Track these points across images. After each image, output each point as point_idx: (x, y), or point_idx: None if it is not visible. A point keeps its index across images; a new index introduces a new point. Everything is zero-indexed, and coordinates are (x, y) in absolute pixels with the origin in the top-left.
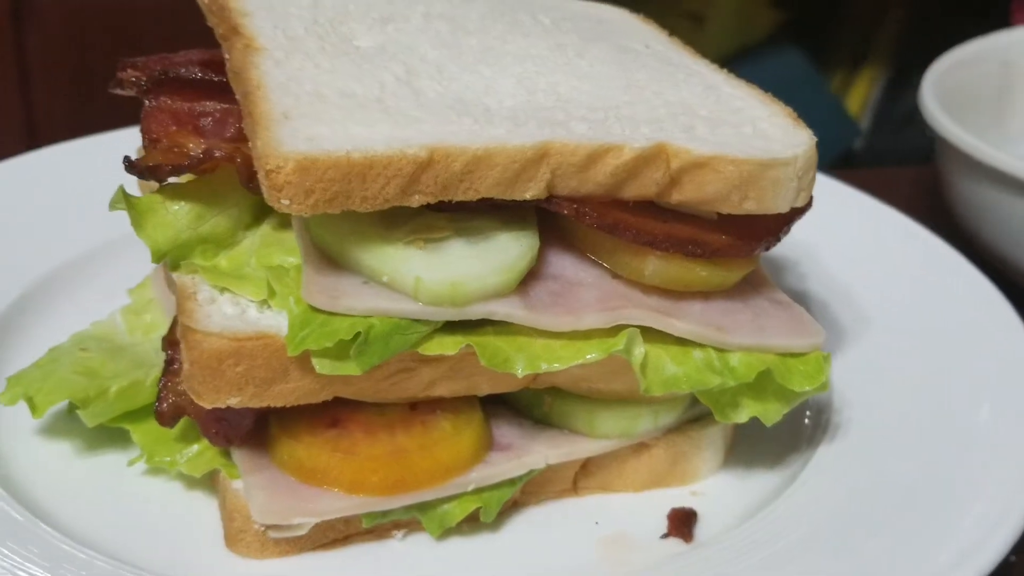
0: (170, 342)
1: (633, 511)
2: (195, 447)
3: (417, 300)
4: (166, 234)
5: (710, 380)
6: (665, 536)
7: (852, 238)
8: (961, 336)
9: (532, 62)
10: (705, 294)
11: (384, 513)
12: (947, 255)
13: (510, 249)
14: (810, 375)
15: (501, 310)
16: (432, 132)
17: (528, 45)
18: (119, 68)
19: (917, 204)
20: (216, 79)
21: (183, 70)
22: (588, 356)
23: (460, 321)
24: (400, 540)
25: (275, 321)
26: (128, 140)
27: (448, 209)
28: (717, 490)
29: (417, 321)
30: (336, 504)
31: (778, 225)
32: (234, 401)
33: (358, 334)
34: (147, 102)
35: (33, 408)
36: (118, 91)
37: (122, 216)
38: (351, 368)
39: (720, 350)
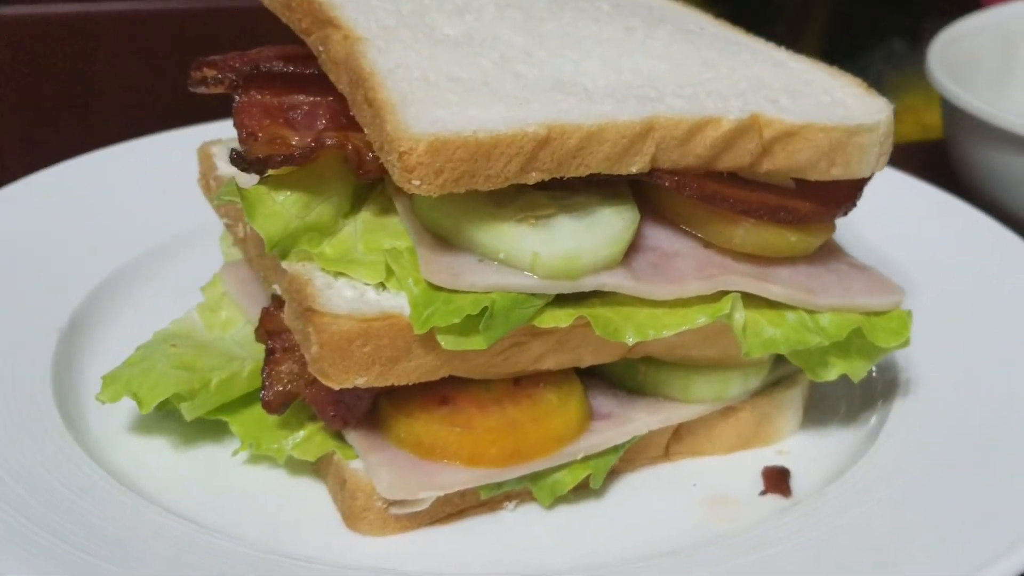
0: (268, 332)
1: (726, 472)
2: (301, 432)
3: (533, 275)
4: (276, 224)
5: (809, 339)
6: (763, 493)
7: (886, 213)
8: (1009, 295)
9: (610, 45)
10: (791, 260)
11: (499, 484)
12: (980, 220)
13: (614, 223)
14: (895, 331)
15: (611, 281)
16: (544, 111)
17: (599, 29)
18: (195, 67)
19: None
20: (302, 72)
21: (272, 65)
22: (698, 321)
23: (570, 294)
24: (512, 511)
25: (396, 302)
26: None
27: (550, 187)
28: (801, 448)
29: (533, 295)
30: (457, 477)
31: (854, 190)
32: (361, 381)
33: (484, 309)
34: (237, 97)
35: (140, 403)
36: (201, 90)
37: (184, 215)
38: (476, 343)
39: (810, 312)
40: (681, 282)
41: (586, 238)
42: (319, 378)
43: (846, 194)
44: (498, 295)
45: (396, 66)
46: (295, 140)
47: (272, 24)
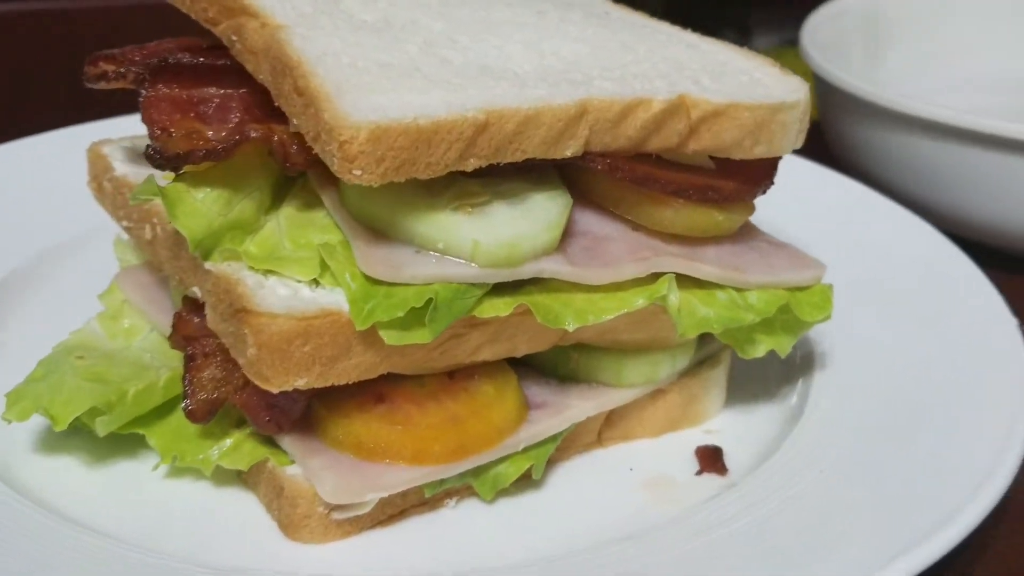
0: (186, 338)
1: (660, 455)
2: (228, 441)
3: (473, 263)
4: (199, 223)
5: (742, 317)
6: (700, 473)
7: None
8: (901, 262)
9: (528, 29)
10: (715, 239)
11: (442, 482)
12: (864, 193)
13: (549, 208)
14: (819, 305)
15: (550, 267)
16: (480, 96)
17: (514, 14)
18: (90, 62)
19: None
20: (212, 63)
21: (179, 57)
22: (636, 303)
23: (507, 283)
24: (453, 508)
25: (332, 298)
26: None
27: (482, 174)
28: (728, 426)
29: (473, 285)
30: (402, 476)
31: (770, 169)
32: (301, 382)
33: (429, 300)
34: (144, 92)
35: (54, 420)
36: (100, 85)
37: (71, 218)
38: (420, 336)
39: (739, 290)
40: (616, 266)
41: (524, 224)
42: (256, 382)
43: (764, 172)
44: (439, 286)
45: (323, 53)
46: (211, 134)
47: (165, 21)
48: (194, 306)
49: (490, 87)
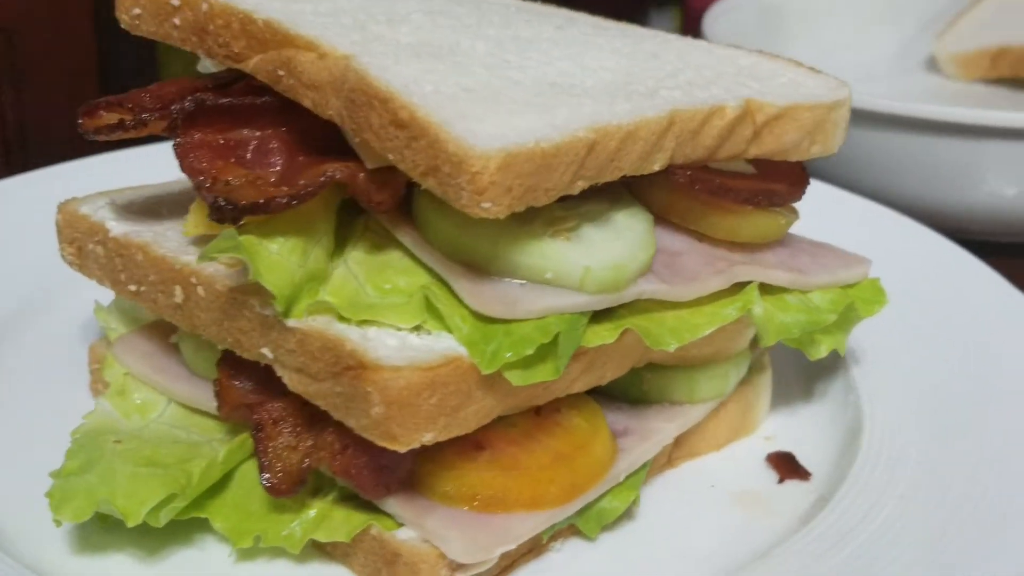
0: (243, 407)
1: (731, 468)
2: (310, 512)
3: (583, 291)
4: (282, 276)
5: (821, 319)
6: (781, 481)
7: None
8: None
9: (561, 45)
10: (770, 245)
11: (553, 525)
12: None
13: (635, 226)
14: (874, 299)
15: (648, 288)
16: (574, 115)
17: (539, 31)
18: (86, 113)
19: None
20: (253, 103)
21: (216, 98)
22: (728, 315)
23: (602, 310)
24: (559, 551)
25: (445, 344)
26: None
27: (561, 199)
28: (782, 430)
29: (580, 314)
30: (526, 525)
31: (803, 170)
32: (428, 437)
33: (558, 335)
34: (176, 139)
35: (126, 515)
36: (100, 137)
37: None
38: (546, 372)
39: (803, 292)
40: (701, 280)
41: (621, 246)
42: (382, 442)
43: (802, 174)
44: (554, 318)
45: (407, 82)
46: (273, 179)
47: None
48: (235, 371)
49: (578, 105)
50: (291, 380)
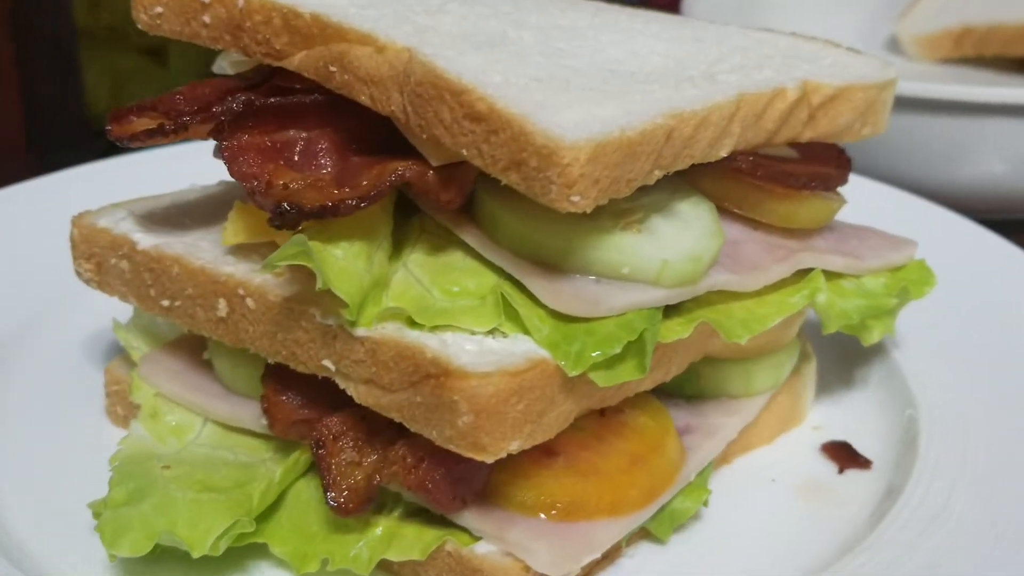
0: (295, 423)
1: (787, 460)
2: (377, 531)
3: (659, 285)
4: (352, 283)
5: (882, 304)
6: (842, 471)
7: None
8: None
9: (605, 31)
10: (819, 231)
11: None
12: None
13: (701, 216)
14: (924, 280)
15: (720, 279)
16: (646, 102)
17: (577, 18)
18: (117, 120)
19: None
20: (301, 102)
21: (263, 99)
22: (794, 304)
23: (674, 304)
24: (631, 556)
25: (525, 346)
26: None
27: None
28: (829, 419)
29: (655, 309)
30: (609, 531)
31: (844, 154)
32: (515, 446)
33: (644, 331)
34: (224, 143)
35: (191, 545)
36: (135, 144)
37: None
38: (632, 371)
39: (855, 277)
40: (765, 269)
41: (691, 237)
42: (469, 453)
43: (843, 157)
44: (634, 315)
45: (476, 72)
46: (330, 182)
47: None
48: (282, 386)
49: (649, 92)
50: (358, 393)
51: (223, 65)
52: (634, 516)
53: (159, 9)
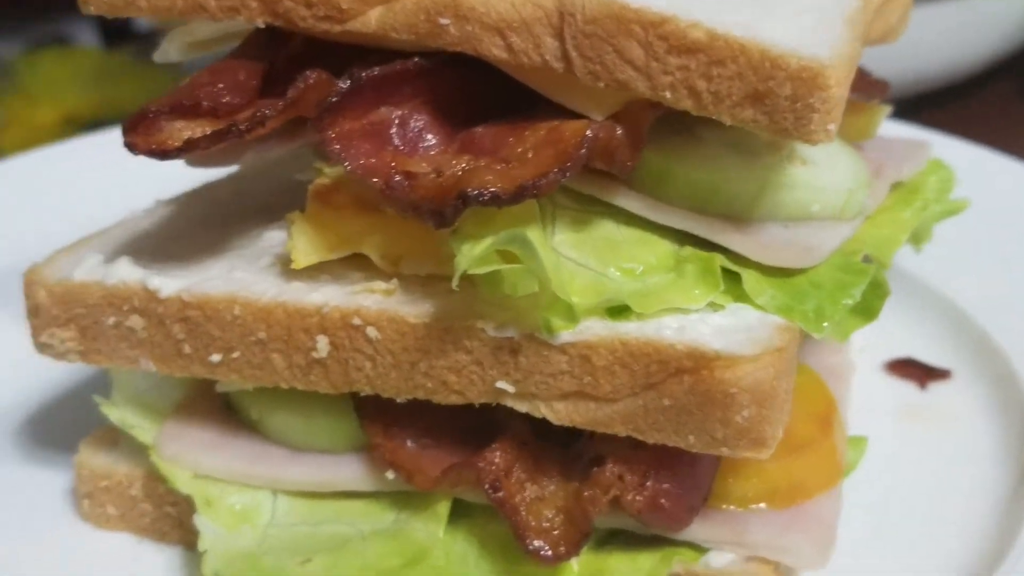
0: (444, 474)
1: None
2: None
3: (842, 218)
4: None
5: (934, 209)
6: (924, 386)
7: None
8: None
9: None
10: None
11: None
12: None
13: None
14: (948, 176)
15: (870, 202)
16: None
17: None
18: (137, 130)
19: None
20: (404, 69)
21: (360, 76)
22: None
23: None
24: None
25: (755, 317)
26: None
27: None
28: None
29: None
30: (832, 505)
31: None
32: (780, 432)
33: (875, 270)
34: (330, 134)
35: None
36: (184, 156)
37: None
38: (866, 318)
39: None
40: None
41: (848, 163)
42: (750, 453)
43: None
44: (838, 257)
45: (669, 4)
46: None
47: None
48: (390, 430)
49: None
50: (555, 413)
51: (168, 51)
52: (840, 482)
53: None
